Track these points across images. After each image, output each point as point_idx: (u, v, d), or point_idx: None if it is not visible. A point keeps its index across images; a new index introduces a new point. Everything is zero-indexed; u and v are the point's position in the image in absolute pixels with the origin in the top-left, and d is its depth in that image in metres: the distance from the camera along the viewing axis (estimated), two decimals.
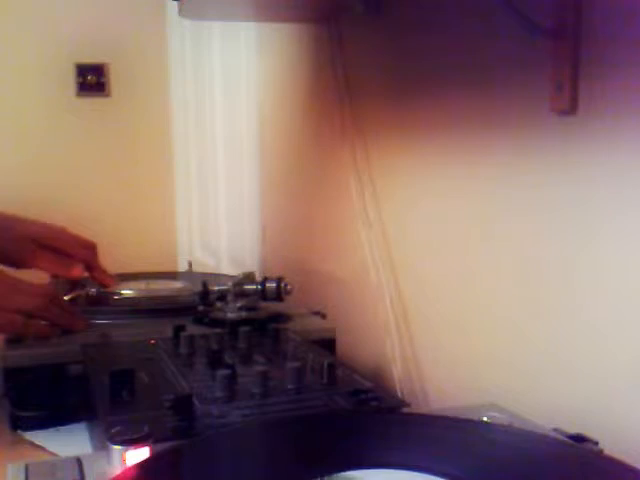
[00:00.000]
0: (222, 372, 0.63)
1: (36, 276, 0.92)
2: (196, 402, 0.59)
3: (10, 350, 0.76)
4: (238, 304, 0.88)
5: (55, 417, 0.75)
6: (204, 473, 0.46)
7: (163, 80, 1.86)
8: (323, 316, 0.93)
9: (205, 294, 0.90)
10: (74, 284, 0.99)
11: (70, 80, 1.78)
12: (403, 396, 0.83)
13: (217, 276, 1.19)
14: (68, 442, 0.71)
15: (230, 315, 0.87)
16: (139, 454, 0.47)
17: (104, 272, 1.01)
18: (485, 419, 0.54)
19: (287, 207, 1.26)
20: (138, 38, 1.82)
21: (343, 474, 0.46)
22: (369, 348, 0.94)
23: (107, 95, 1.81)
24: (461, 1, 0.75)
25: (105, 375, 0.63)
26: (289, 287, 0.89)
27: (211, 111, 1.63)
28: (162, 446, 0.48)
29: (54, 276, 1.05)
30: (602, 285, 0.58)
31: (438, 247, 0.81)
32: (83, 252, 0.96)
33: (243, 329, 0.80)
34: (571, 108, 0.60)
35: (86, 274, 1.00)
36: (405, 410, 0.61)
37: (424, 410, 0.78)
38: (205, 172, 1.71)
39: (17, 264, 0.93)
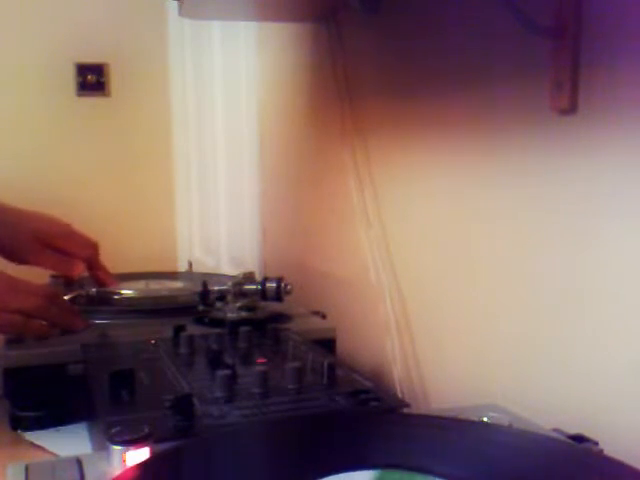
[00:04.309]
0: (222, 372, 0.63)
1: (36, 276, 0.92)
2: (196, 402, 0.59)
3: (10, 350, 0.76)
4: (238, 304, 0.87)
5: (55, 417, 0.75)
6: (204, 473, 0.46)
7: (163, 80, 1.86)
8: (323, 316, 0.93)
9: (205, 294, 0.90)
10: (73, 284, 0.99)
11: (70, 80, 1.78)
12: (403, 396, 0.83)
13: (217, 276, 1.19)
14: (68, 442, 0.71)
15: (230, 315, 0.87)
16: (139, 454, 0.47)
17: (105, 271, 1.01)
18: (485, 419, 0.54)
19: (287, 207, 1.26)
20: (138, 38, 1.82)
21: (343, 475, 0.46)
22: (369, 348, 0.94)
23: (107, 95, 1.82)
24: (461, 0, 0.75)
25: (105, 375, 0.63)
26: (289, 287, 0.89)
27: (211, 111, 1.63)
28: (162, 446, 0.48)
29: (54, 275, 1.06)
30: (602, 285, 0.58)
31: (438, 247, 0.81)
32: (85, 251, 0.97)
33: (243, 329, 0.80)
34: (571, 107, 0.60)
35: (86, 273, 1.00)
36: (405, 410, 0.61)
37: (424, 410, 0.78)
38: (205, 172, 1.71)
39: (20, 260, 0.94)
